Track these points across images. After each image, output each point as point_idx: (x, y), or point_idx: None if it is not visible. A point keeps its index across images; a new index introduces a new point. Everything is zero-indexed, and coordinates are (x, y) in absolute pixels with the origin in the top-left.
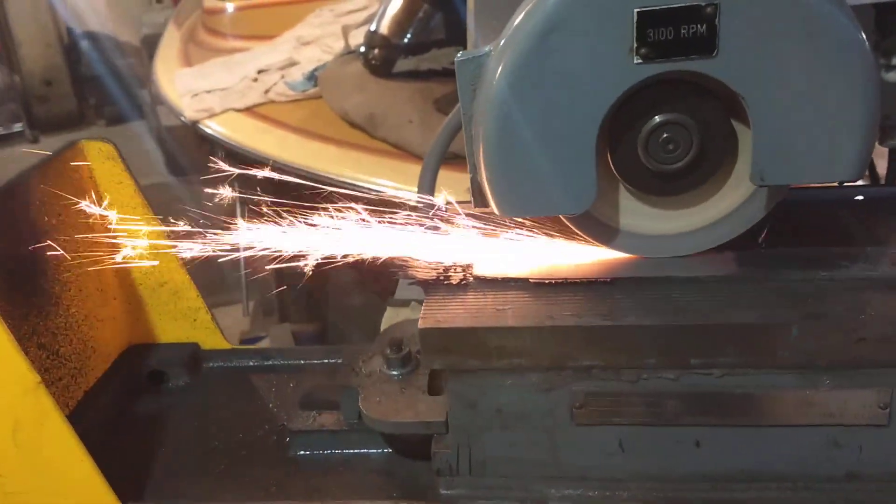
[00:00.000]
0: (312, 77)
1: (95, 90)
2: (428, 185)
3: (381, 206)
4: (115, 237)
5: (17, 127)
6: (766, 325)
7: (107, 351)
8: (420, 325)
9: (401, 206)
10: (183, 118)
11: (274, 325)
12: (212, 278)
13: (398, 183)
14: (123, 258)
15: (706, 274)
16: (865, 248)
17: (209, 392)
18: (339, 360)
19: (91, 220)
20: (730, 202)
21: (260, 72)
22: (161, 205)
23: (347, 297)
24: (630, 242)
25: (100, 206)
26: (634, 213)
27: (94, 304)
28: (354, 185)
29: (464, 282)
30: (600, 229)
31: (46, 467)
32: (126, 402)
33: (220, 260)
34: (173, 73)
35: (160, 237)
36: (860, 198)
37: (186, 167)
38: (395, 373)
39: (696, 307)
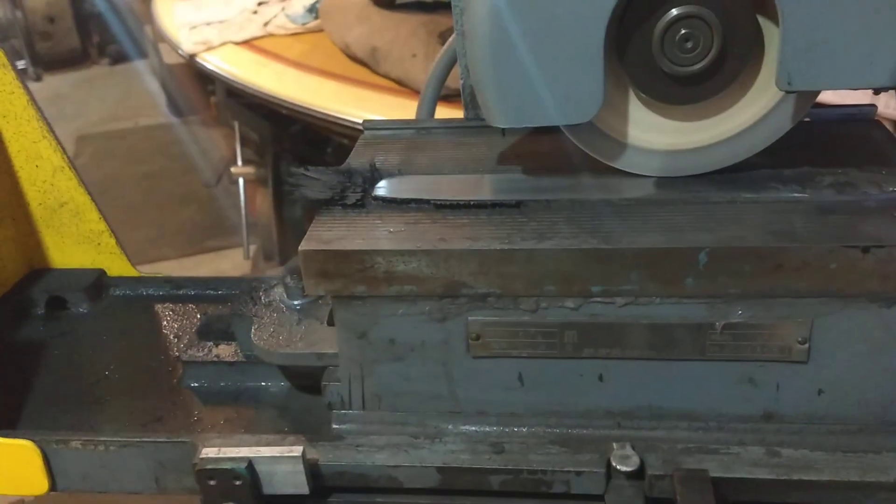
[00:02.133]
0: (314, 9)
1: (99, 28)
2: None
3: None
4: (9, 152)
5: (21, 64)
6: (671, 248)
7: (6, 274)
8: (301, 246)
9: None
10: (181, 51)
11: (273, 268)
12: (213, 222)
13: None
14: (20, 174)
15: (619, 196)
16: (807, 168)
17: (110, 321)
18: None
19: None
20: (752, 113)
21: (260, 3)
22: (162, 146)
23: None
24: (639, 159)
25: None
26: (645, 125)
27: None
28: (355, 122)
29: (360, 203)
30: (606, 144)
31: None
32: (18, 329)
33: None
34: (172, 6)
35: (55, 152)
36: None
37: (187, 108)
38: (295, 303)
39: (603, 230)
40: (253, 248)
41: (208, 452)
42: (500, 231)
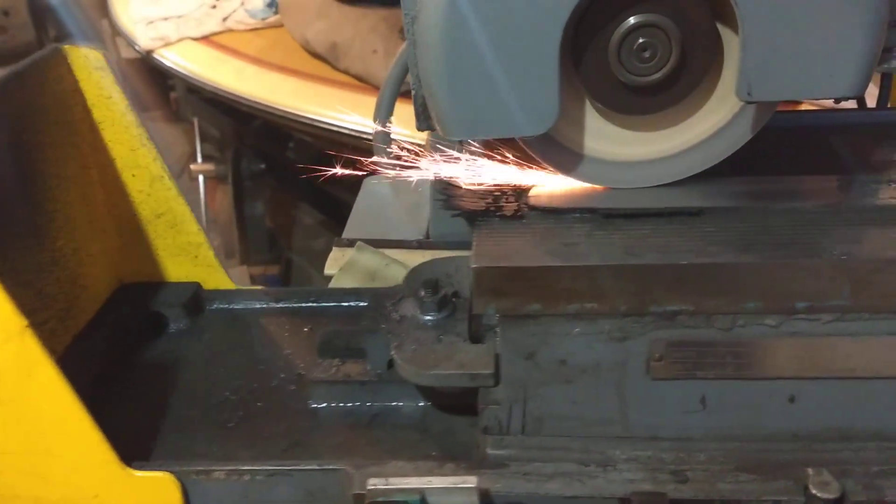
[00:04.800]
0: (274, 3)
1: (55, 21)
2: (383, 119)
3: None
4: (105, 160)
5: None
6: (888, 260)
7: (97, 290)
8: (473, 263)
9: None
10: (137, 47)
11: (233, 267)
12: None
13: (362, 117)
14: (114, 184)
15: (809, 203)
16: None
17: (214, 337)
18: (361, 303)
19: (78, 140)
20: (711, 123)
21: None
22: None
23: (311, 240)
24: (596, 170)
25: (87, 123)
26: (602, 135)
27: (84, 236)
28: (315, 119)
29: (518, 213)
30: (563, 155)
31: (34, 425)
32: (121, 349)
33: None
34: (128, 1)
35: (155, 161)
36: None
37: (145, 103)
38: (428, 318)
39: (804, 241)
40: (213, 245)
41: (376, 483)
42: (689, 242)
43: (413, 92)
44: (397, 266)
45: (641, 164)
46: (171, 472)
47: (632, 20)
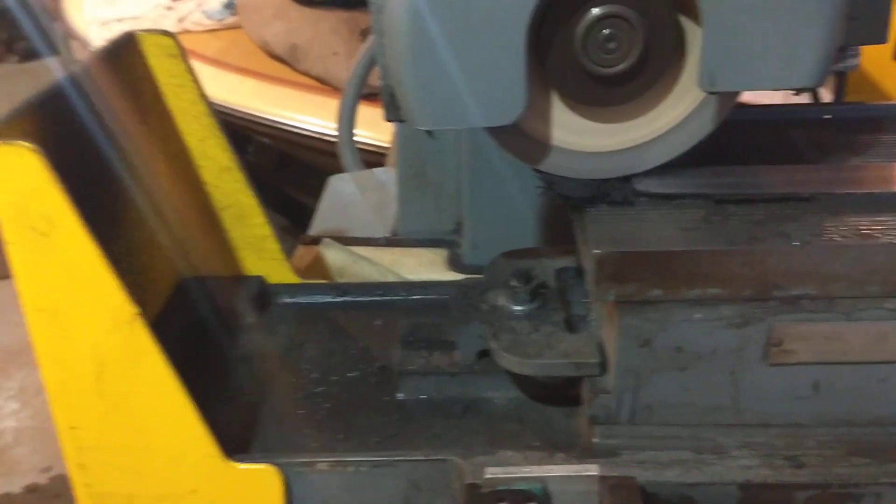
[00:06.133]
0: (231, 4)
1: (6, 24)
2: (347, 124)
3: None
4: (174, 150)
5: None
6: None
7: (163, 284)
8: (594, 248)
9: None
10: (91, 49)
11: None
12: None
13: (323, 120)
14: (182, 174)
15: None
16: None
17: (285, 331)
18: (429, 296)
19: (147, 129)
20: (675, 114)
21: None
22: None
23: None
24: (563, 161)
25: (157, 111)
26: (569, 127)
27: (153, 227)
28: (275, 121)
29: (627, 200)
30: (530, 146)
31: (136, 417)
32: (194, 344)
33: None
34: (82, 1)
35: (225, 152)
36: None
37: None
38: (519, 308)
39: None
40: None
41: (495, 472)
42: (809, 227)
43: (381, 82)
44: (365, 263)
45: (608, 154)
46: (275, 464)
47: (597, 11)
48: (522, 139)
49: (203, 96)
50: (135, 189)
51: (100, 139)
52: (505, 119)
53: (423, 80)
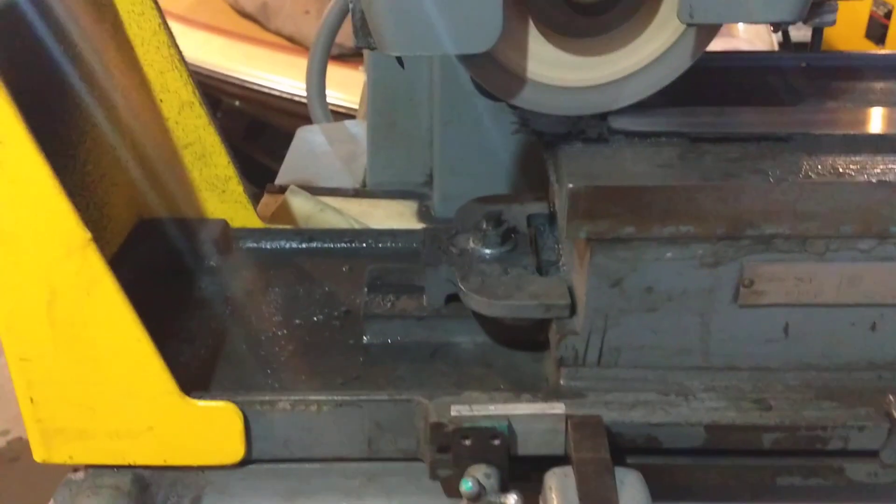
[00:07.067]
0: None
1: None
2: (317, 74)
3: None
4: (132, 82)
5: None
6: None
7: (120, 222)
8: (568, 183)
9: None
10: None
11: None
12: None
13: (294, 80)
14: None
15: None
16: None
17: (248, 275)
18: (397, 244)
19: (105, 58)
20: (653, 48)
21: None
22: None
23: None
24: (538, 96)
25: (117, 40)
26: (545, 59)
27: (109, 162)
28: (244, 80)
29: (602, 137)
30: (505, 79)
31: (89, 349)
32: (152, 285)
33: None
34: None
35: (186, 86)
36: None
37: None
38: (489, 251)
39: None
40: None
41: (461, 410)
42: (785, 165)
43: (351, 6)
44: (332, 212)
45: (585, 90)
46: (234, 402)
47: None
48: (498, 71)
49: (164, 25)
50: (92, 120)
51: (57, 62)
52: (480, 46)
53: (396, 4)
